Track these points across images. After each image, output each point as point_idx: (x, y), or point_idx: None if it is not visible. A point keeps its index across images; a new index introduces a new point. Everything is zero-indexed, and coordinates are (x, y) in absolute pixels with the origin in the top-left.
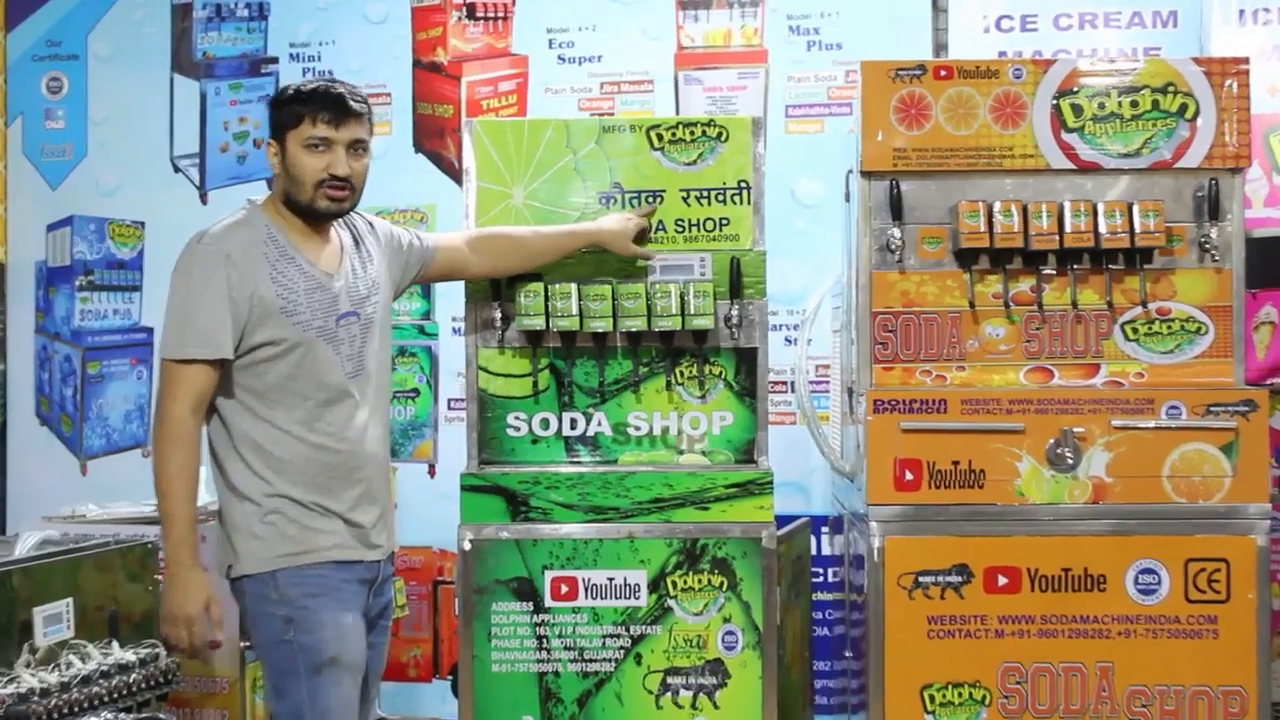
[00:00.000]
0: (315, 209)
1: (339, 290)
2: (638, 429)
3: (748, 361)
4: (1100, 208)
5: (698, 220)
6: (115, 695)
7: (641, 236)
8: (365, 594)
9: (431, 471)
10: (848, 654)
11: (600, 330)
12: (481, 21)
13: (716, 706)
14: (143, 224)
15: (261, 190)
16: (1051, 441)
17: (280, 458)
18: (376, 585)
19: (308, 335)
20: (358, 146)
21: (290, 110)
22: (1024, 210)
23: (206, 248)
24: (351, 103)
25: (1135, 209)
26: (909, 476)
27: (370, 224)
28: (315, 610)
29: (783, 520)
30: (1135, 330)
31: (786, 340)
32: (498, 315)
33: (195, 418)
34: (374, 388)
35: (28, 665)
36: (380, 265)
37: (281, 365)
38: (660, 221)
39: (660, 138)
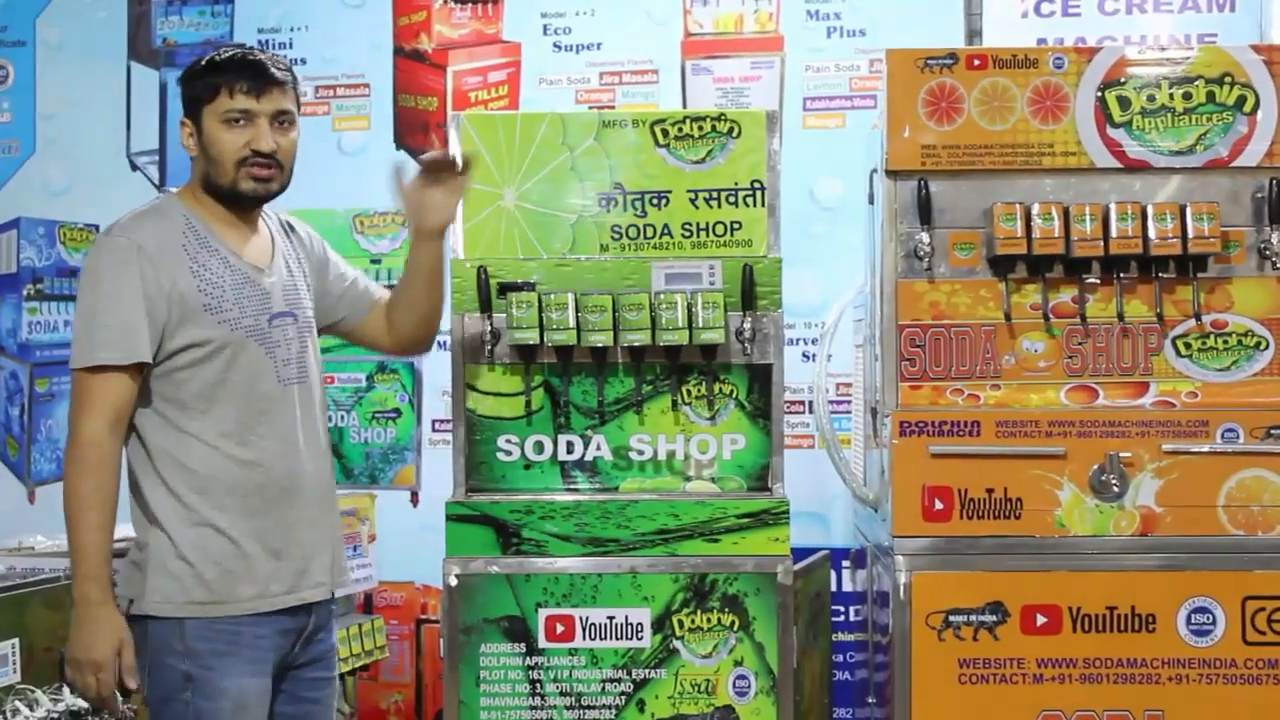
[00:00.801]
0: (239, 191)
1: (270, 287)
2: (641, 453)
3: (761, 379)
4: (1149, 210)
5: (706, 224)
6: None
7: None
8: (288, 647)
9: (414, 500)
10: (871, 700)
11: (600, 345)
12: (470, 6)
13: None
14: (97, 227)
15: None
16: (1095, 468)
17: (205, 476)
18: (308, 634)
19: (236, 335)
20: (283, 119)
21: (205, 82)
22: (1065, 213)
23: (115, 240)
24: (273, 70)
25: (1188, 212)
26: (938, 506)
27: (291, 224)
28: (220, 673)
29: (800, 554)
30: (1188, 345)
31: (804, 356)
32: (487, 328)
33: (113, 436)
34: (317, 401)
35: None
36: (307, 270)
37: (207, 370)
38: (666, 225)
39: (665, 133)
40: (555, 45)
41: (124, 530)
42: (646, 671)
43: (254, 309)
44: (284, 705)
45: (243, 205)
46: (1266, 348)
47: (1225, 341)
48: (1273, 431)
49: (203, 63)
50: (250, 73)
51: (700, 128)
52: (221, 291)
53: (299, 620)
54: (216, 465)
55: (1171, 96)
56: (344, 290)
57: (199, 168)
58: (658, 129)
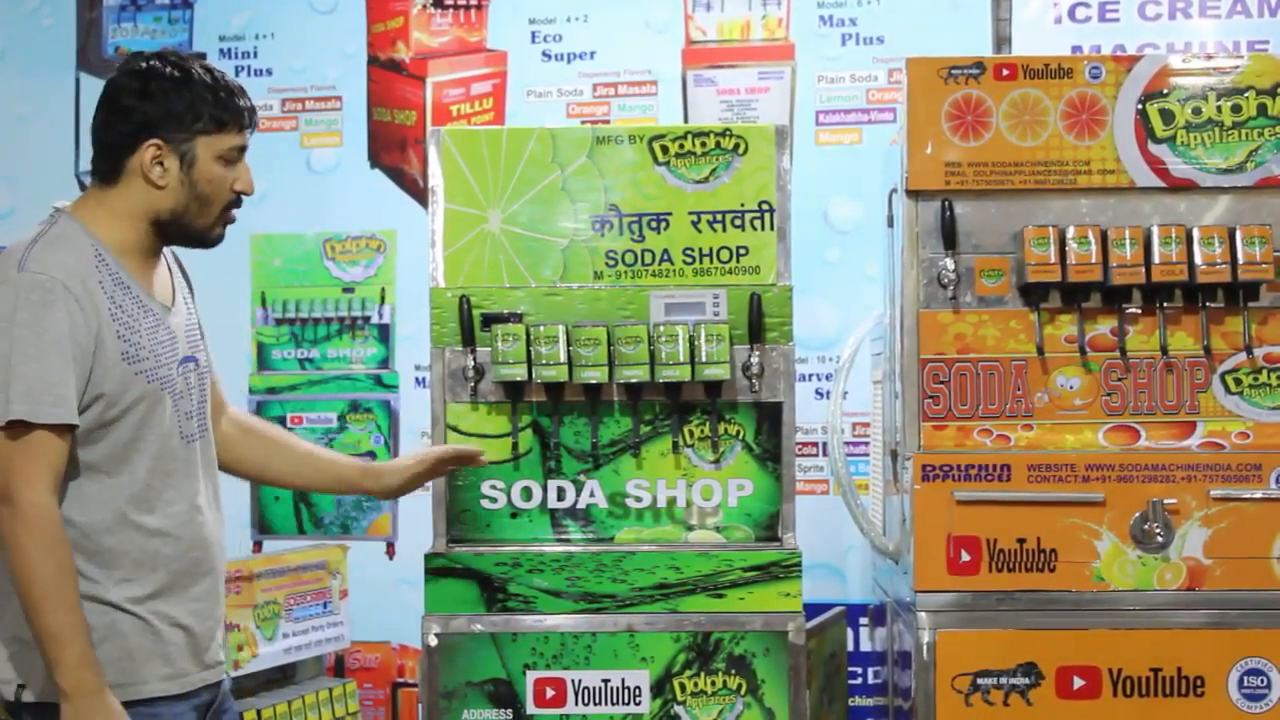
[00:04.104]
0: (210, 236)
1: (176, 328)
2: (638, 500)
3: (770, 419)
4: (1195, 234)
5: (710, 249)
6: None
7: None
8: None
9: (390, 551)
10: None
11: (593, 381)
12: (451, 11)
13: None
14: None
15: None
16: (1137, 516)
17: (109, 549)
18: (215, 708)
19: (151, 387)
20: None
21: (214, 110)
22: (1103, 237)
23: (36, 278)
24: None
25: (1238, 235)
26: (965, 557)
27: (176, 253)
28: None
29: (813, 610)
30: (1238, 381)
31: (817, 393)
32: (470, 363)
33: (55, 502)
34: (212, 456)
35: None
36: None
37: (120, 429)
38: (666, 251)
39: (665, 150)
40: (545, 54)
41: None
42: None
43: (166, 355)
44: None
45: (178, 245)
46: None
47: (1279, 377)
48: None
49: (200, 79)
50: (249, 106)
51: (703, 144)
52: (138, 337)
53: (211, 693)
54: (122, 537)
55: (1219, 109)
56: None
57: (155, 198)
58: (657, 145)
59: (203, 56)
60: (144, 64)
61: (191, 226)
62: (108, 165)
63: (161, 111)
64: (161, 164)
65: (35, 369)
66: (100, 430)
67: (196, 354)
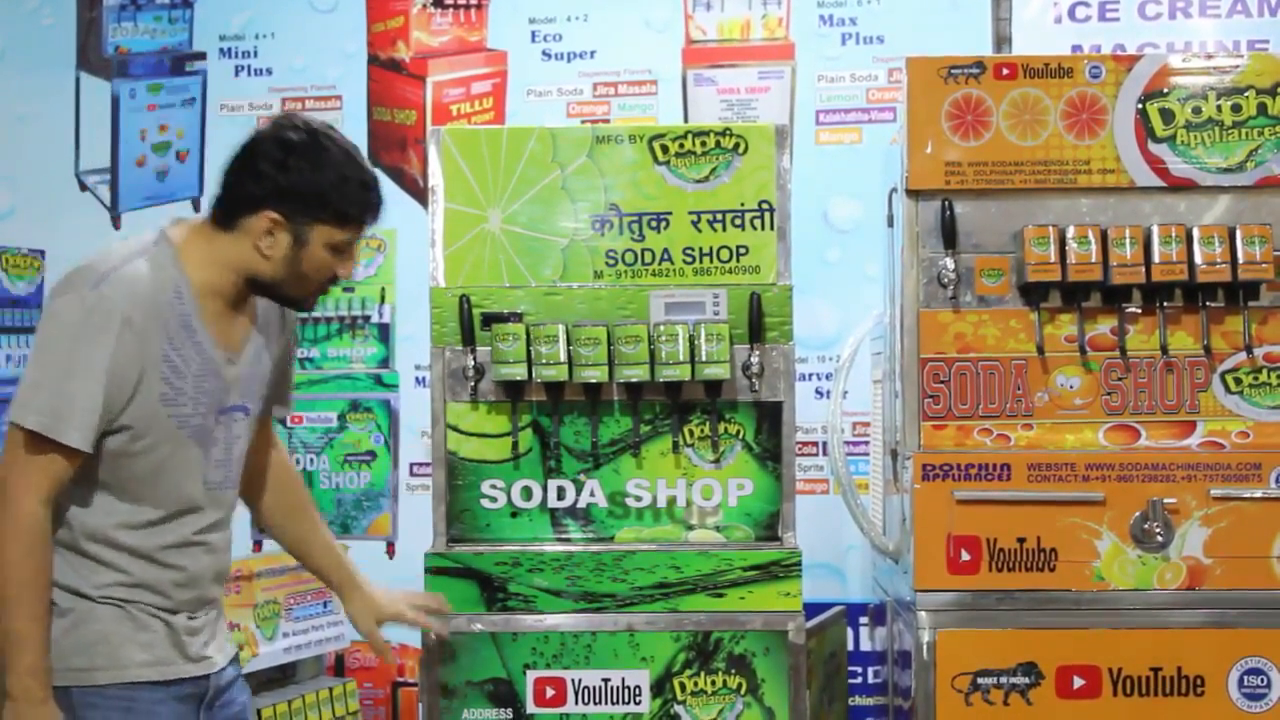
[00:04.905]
0: (300, 308)
1: (232, 379)
2: (638, 500)
3: (770, 419)
4: (1195, 233)
5: (710, 249)
6: None
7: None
8: (192, 713)
9: (390, 551)
10: None
11: (593, 381)
12: (451, 10)
13: None
14: (42, 253)
15: (183, 214)
16: (1137, 515)
17: (97, 557)
18: (209, 699)
19: (179, 434)
20: None
21: (336, 203)
22: (1103, 236)
23: (106, 301)
24: None
25: (1238, 235)
26: (965, 557)
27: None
28: None
29: (813, 609)
30: (1238, 381)
31: (817, 393)
32: (470, 363)
33: (49, 514)
34: (233, 500)
35: None
36: (274, 353)
37: (140, 463)
38: (666, 250)
39: (665, 149)
40: (545, 54)
41: None
42: None
43: (207, 403)
44: None
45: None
46: None
47: (1279, 376)
48: None
49: (342, 177)
50: (380, 207)
51: (703, 144)
52: (184, 382)
53: (199, 686)
54: (116, 555)
55: (1219, 108)
56: (281, 375)
57: (256, 262)
58: (657, 145)
59: (355, 149)
60: (293, 134)
61: (283, 295)
62: (224, 211)
63: (292, 190)
64: (273, 235)
65: (68, 387)
66: (122, 459)
67: (248, 402)
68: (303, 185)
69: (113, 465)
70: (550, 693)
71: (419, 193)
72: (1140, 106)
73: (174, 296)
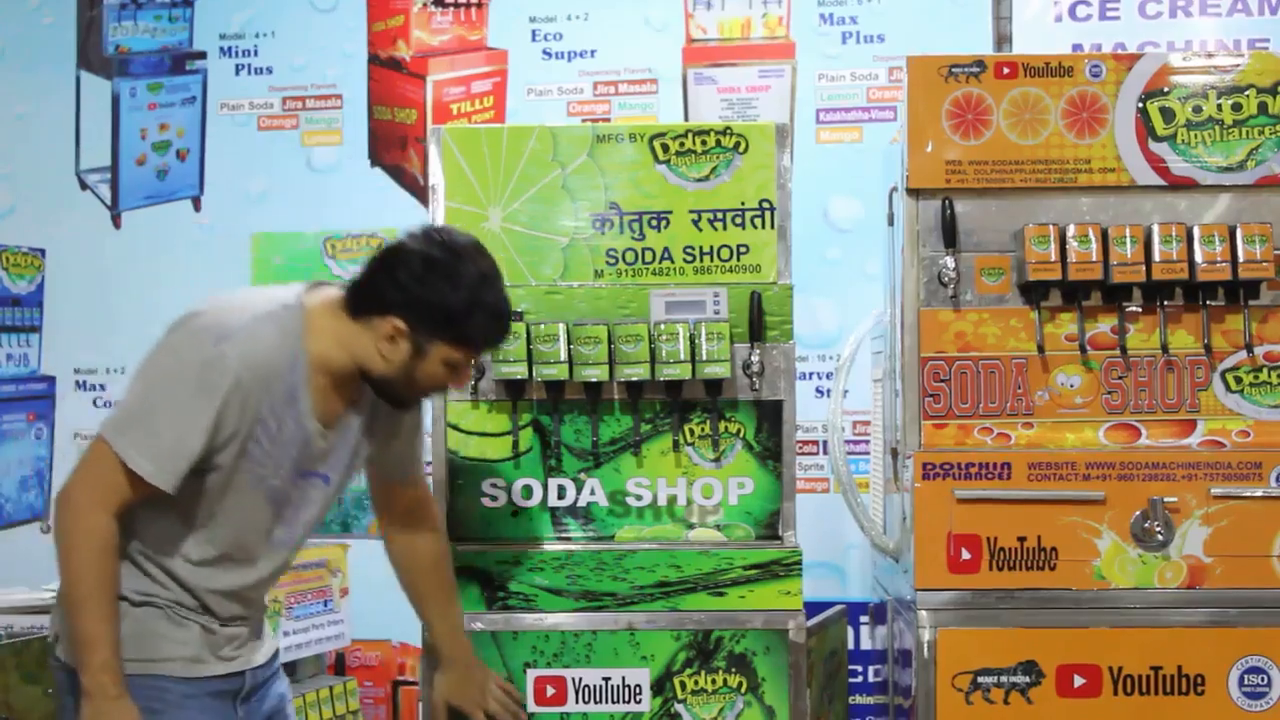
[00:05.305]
0: (403, 407)
1: (320, 451)
2: (639, 499)
3: (771, 417)
4: (1196, 232)
5: (711, 248)
6: None
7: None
8: (226, 710)
9: None
10: None
11: (594, 380)
12: (451, 9)
13: None
14: (43, 252)
15: (183, 212)
16: (1138, 514)
17: (146, 572)
18: (244, 694)
19: (255, 491)
20: None
21: (462, 328)
22: (1104, 235)
23: (223, 360)
24: None
25: (1238, 234)
26: (966, 556)
27: None
28: None
29: (813, 608)
30: (1239, 379)
31: (818, 392)
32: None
33: (118, 526)
34: (289, 559)
35: None
36: (376, 431)
37: (207, 504)
38: (667, 249)
39: (666, 148)
40: (545, 52)
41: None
42: None
43: (290, 468)
44: None
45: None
46: None
47: (1279, 375)
48: None
49: (476, 309)
50: (508, 330)
51: (704, 142)
52: (274, 446)
53: (233, 682)
54: (162, 577)
55: (1220, 107)
56: (398, 454)
57: (373, 359)
58: (657, 144)
59: (495, 274)
60: (436, 251)
61: (390, 394)
62: (356, 302)
63: (423, 306)
64: (395, 342)
65: (166, 431)
66: (196, 496)
67: (331, 473)
68: (434, 304)
69: (185, 498)
70: (551, 691)
71: (419, 191)
72: (1141, 105)
73: (288, 367)
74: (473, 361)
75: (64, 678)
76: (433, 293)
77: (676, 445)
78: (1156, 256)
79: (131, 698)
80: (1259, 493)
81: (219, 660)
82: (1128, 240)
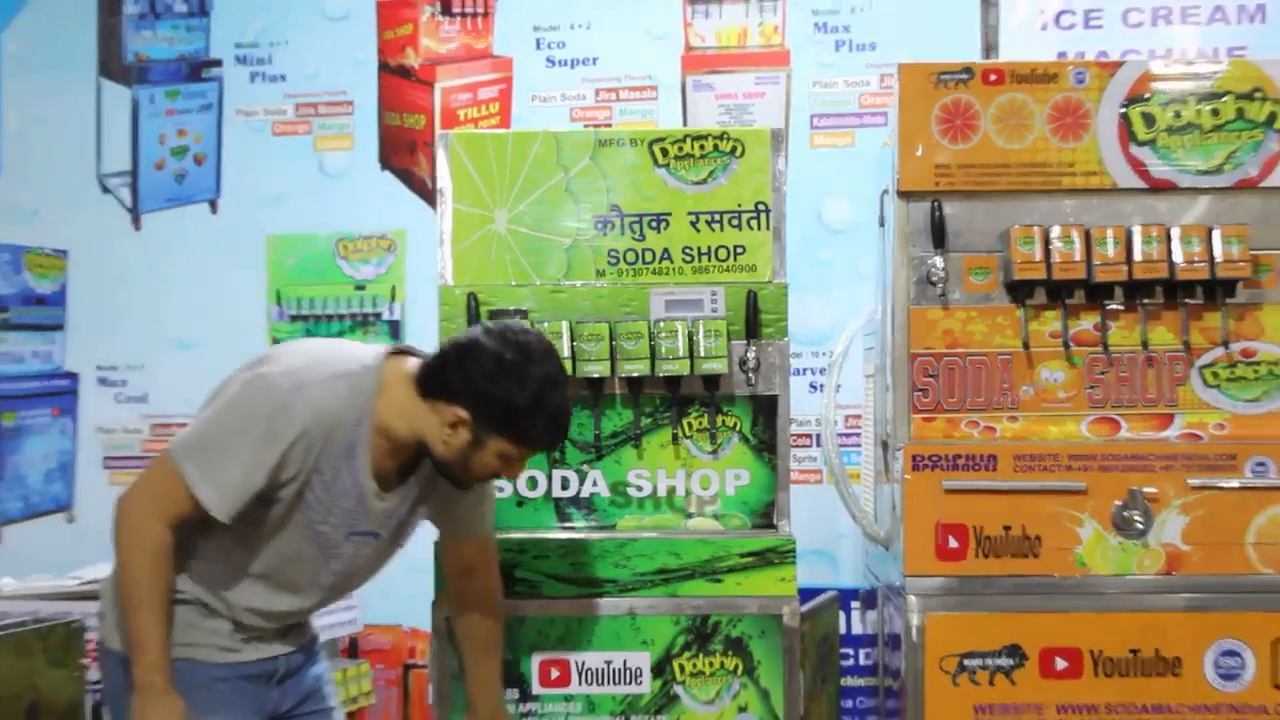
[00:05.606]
0: (457, 486)
1: (374, 510)
2: (639, 489)
3: (766, 411)
4: (1175, 233)
5: (708, 248)
6: None
7: None
8: (260, 691)
9: None
10: None
11: (596, 375)
12: (458, 18)
13: None
14: (65, 253)
15: (200, 215)
16: (1118, 504)
17: (195, 581)
18: (280, 678)
19: (306, 534)
20: None
21: (524, 428)
22: (1086, 236)
23: (293, 411)
24: None
25: (1216, 235)
26: (953, 544)
27: None
28: None
29: (807, 594)
30: (1216, 375)
31: (811, 387)
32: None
33: (172, 536)
34: (334, 599)
35: None
36: (432, 498)
37: (260, 530)
38: (666, 250)
39: (665, 153)
40: (549, 60)
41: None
42: (646, 718)
43: (340, 520)
44: None
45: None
46: None
47: (1255, 371)
48: None
49: (538, 411)
50: (566, 432)
51: (702, 147)
52: (328, 496)
53: (268, 666)
54: (213, 596)
55: (1199, 113)
56: (463, 515)
57: (433, 440)
58: (657, 148)
59: (561, 379)
60: (509, 353)
61: (447, 473)
62: (426, 383)
63: (489, 402)
64: (456, 430)
65: (230, 465)
66: (252, 522)
67: (382, 530)
68: (499, 401)
69: (241, 522)
70: (555, 674)
71: (428, 194)
72: (1123, 111)
73: (353, 423)
74: (525, 457)
75: (113, 664)
76: (500, 391)
77: (675, 438)
78: (1137, 256)
79: (177, 691)
80: (1234, 483)
81: (251, 646)
82: (1110, 241)
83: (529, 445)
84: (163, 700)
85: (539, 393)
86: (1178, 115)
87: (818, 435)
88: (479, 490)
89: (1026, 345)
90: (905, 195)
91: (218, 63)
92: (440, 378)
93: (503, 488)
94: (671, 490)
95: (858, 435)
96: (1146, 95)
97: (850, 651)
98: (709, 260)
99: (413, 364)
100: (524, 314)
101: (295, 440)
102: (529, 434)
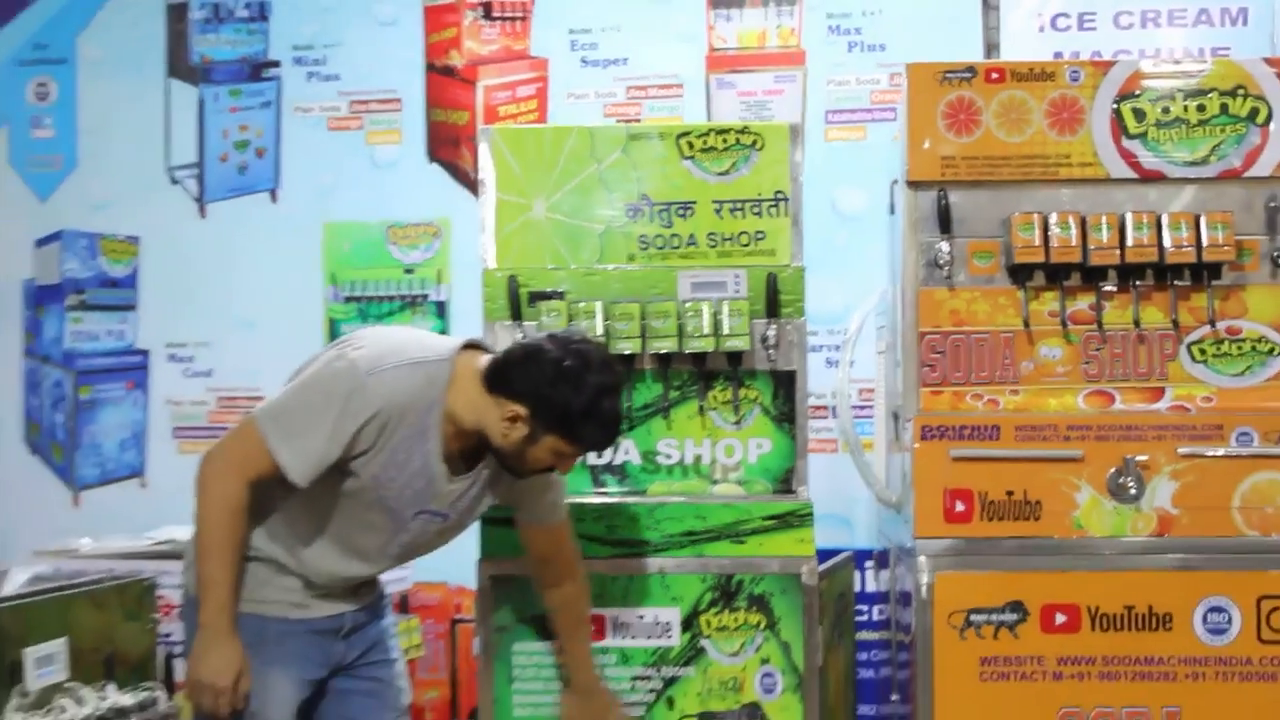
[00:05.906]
0: (514, 475)
1: (443, 492)
2: (668, 457)
3: (786, 385)
4: (1164, 220)
5: (731, 234)
6: None
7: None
8: (327, 644)
9: None
10: (894, 698)
11: (628, 352)
12: (498, 22)
13: None
14: (137, 239)
15: (261, 203)
16: (1113, 470)
17: (267, 539)
18: (346, 633)
19: (377, 504)
20: None
21: (578, 428)
22: (1082, 222)
23: (367, 392)
24: None
25: (1203, 221)
26: (959, 508)
27: None
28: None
29: (824, 555)
30: (1203, 351)
31: (827, 362)
32: (518, 336)
33: (250, 492)
34: (397, 566)
35: (18, 709)
36: (501, 488)
37: (333, 498)
38: (692, 236)
39: (691, 146)
40: (583, 60)
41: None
42: (675, 669)
43: (410, 498)
44: (345, 682)
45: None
46: (1279, 353)
47: (1239, 347)
48: None
49: (592, 412)
50: (617, 436)
51: (725, 140)
52: (399, 473)
53: (335, 622)
54: (285, 556)
55: (1186, 109)
56: (531, 502)
57: (492, 431)
58: (683, 142)
59: (617, 386)
60: (569, 361)
61: (504, 462)
62: (492, 378)
63: (547, 403)
64: (514, 424)
65: (310, 433)
66: (326, 491)
67: (451, 512)
68: (556, 404)
69: (318, 489)
70: (591, 628)
71: (471, 185)
72: (1115, 107)
73: (425, 409)
74: (578, 455)
75: (187, 605)
76: (558, 394)
77: (701, 410)
78: (1129, 241)
79: (238, 635)
80: (1221, 452)
81: (320, 603)
82: (1104, 227)
83: (580, 445)
84: (224, 643)
85: (594, 399)
86: (1166, 111)
87: (833, 407)
88: (543, 479)
89: (1027, 324)
90: (914, 185)
91: (277, 63)
92: (505, 375)
93: None
94: (698, 458)
95: (870, 407)
96: (1137, 92)
97: (865, 608)
98: (732, 245)
99: (483, 359)
100: (561, 295)
101: (370, 419)
102: (581, 435)
